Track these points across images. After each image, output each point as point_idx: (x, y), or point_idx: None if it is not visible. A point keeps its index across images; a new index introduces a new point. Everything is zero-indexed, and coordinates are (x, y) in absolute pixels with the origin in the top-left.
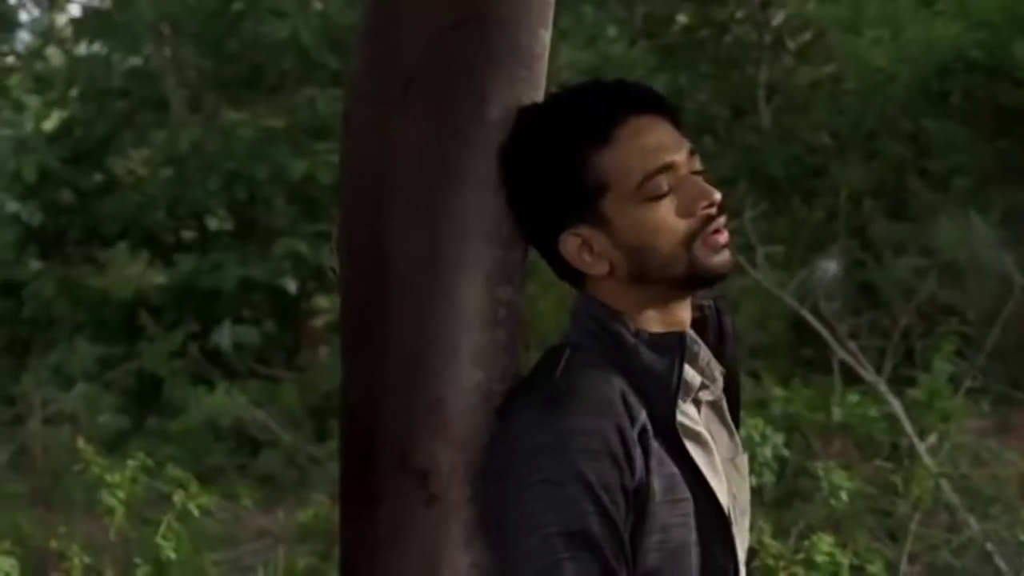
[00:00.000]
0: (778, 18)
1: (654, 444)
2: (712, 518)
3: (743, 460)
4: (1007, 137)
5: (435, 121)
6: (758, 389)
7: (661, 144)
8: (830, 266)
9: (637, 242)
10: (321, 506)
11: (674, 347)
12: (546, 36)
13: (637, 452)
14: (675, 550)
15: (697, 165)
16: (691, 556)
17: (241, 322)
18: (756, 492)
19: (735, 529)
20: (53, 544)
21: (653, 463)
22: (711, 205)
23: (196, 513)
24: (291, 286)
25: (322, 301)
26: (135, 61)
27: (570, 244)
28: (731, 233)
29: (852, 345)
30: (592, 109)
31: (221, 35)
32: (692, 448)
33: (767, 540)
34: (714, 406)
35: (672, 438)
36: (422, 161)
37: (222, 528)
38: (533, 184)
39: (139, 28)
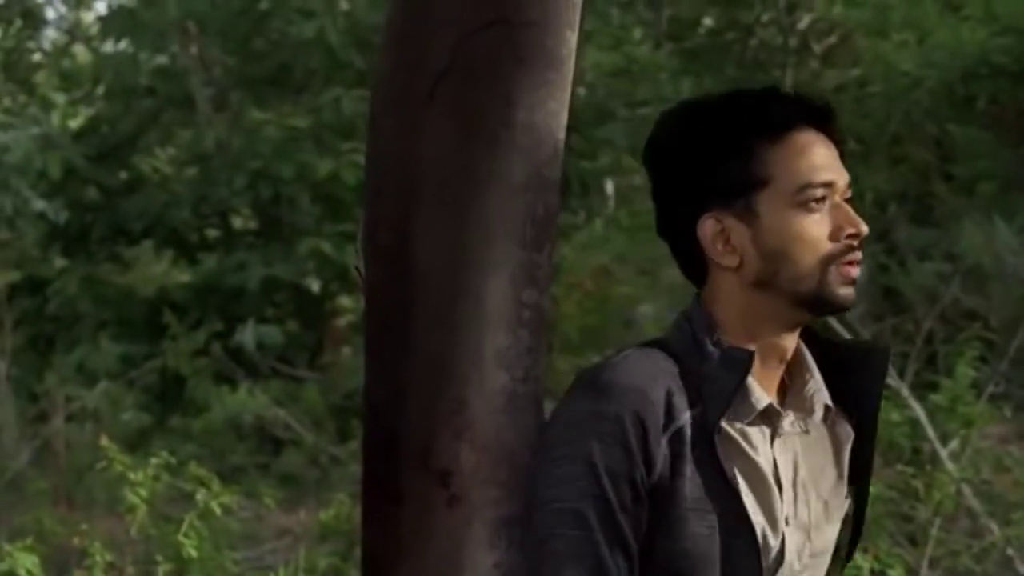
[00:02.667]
0: (804, 22)
1: (691, 450)
2: (740, 540)
3: (839, 505)
4: None
5: (461, 123)
6: None
7: (828, 162)
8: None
9: (778, 246)
10: (342, 506)
11: (739, 363)
12: (573, 38)
13: (660, 450)
14: (700, 559)
15: (848, 195)
16: (714, 570)
17: (264, 321)
18: None
19: (793, 566)
20: (75, 541)
21: (686, 468)
22: (856, 236)
23: (218, 512)
24: (315, 286)
25: (345, 301)
26: (161, 59)
27: (708, 227)
28: None
29: None
30: (773, 107)
31: (247, 34)
32: (739, 468)
33: None
34: (808, 440)
35: (711, 450)
36: (448, 163)
37: (244, 527)
38: (691, 163)
39: (165, 26)
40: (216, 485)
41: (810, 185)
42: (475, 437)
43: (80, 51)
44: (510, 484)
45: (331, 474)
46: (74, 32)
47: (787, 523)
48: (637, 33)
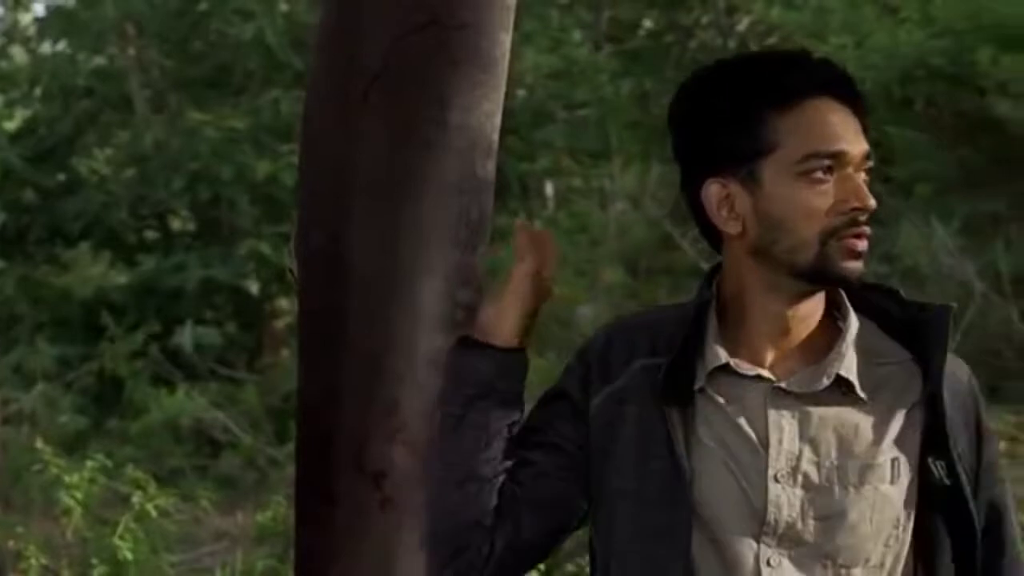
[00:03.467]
0: (743, 24)
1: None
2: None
3: (870, 469)
4: (969, 145)
5: (395, 125)
6: None
7: (840, 132)
8: None
9: (777, 215)
10: (280, 508)
11: (685, 320)
12: (506, 40)
13: (593, 417)
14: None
15: (865, 167)
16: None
17: (203, 323)
18: None
19: (794, 524)
20: (10, 544)
21: (627, 417)
22: (862, 210)
23: (154, 514)
24: (253, 287)
25: (284, 303)
26: (99, 60)
27: (712, 192)
28: (695, 238)
29: None
30: (789, 74)
31: (185, 35)
32: (711, 424)
33: None
34: (824, 405)
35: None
36: (382, 164)
37: (181, 529)
38: (702, 126)
39: (103, 27)
40: (152, 487)
41: (816, 155)
42: (409, 439)
43: (18, 52)
44: None
45: (269, 476)
46: (11, 33)
47: (777, 480)
48: (576, 35)
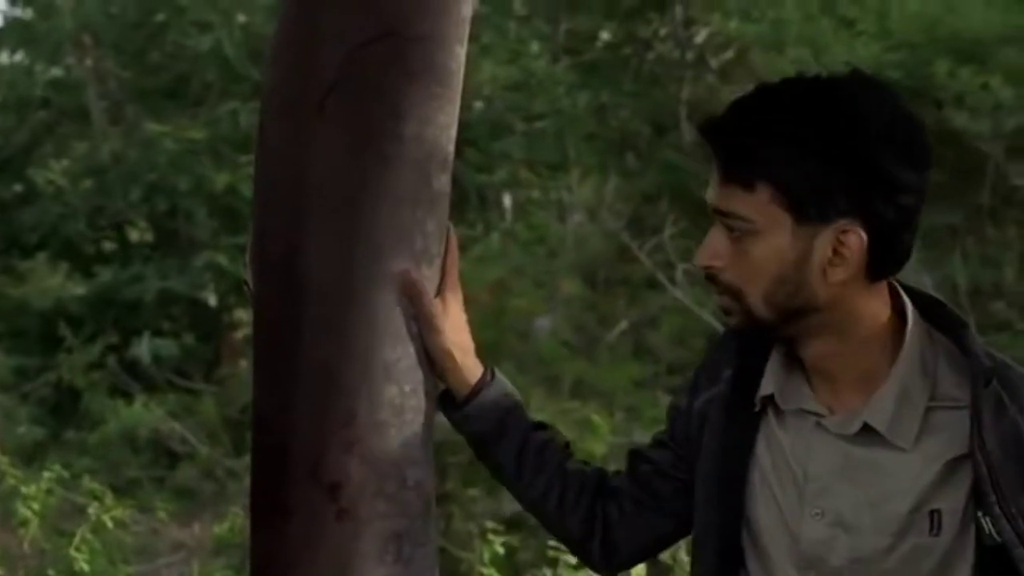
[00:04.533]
0: (701, 36)
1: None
2: (715, 531)
3: (901, 519)
4: None
5: (351, 136)
6: None
7: (712, 182)
8: None
9: None
10: (237, 519)
11: (731, 346)
12: (462, 53)
13: (680, 423)
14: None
15: (726, 205)
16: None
17: (161, 334)
18: None
19: (827, 559)
20: None
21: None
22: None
23: (110, 525)
24: (211, 299)
25: (242, 314)
26: (56, 71)
27: None
28: (652, 250)
29: None
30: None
31: (143, 46)
32: (768, 450)
33: (684, 556)
34: (863, 444)
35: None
36: (337, 176)
37: (138, 541)
38: None
39: (61, 38)
40: (109, 499)
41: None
42: (364, 450)
43: None
44: (398, 498)
45: (227, 487)
46: None
47: (812, 515)
48: (534, 47)
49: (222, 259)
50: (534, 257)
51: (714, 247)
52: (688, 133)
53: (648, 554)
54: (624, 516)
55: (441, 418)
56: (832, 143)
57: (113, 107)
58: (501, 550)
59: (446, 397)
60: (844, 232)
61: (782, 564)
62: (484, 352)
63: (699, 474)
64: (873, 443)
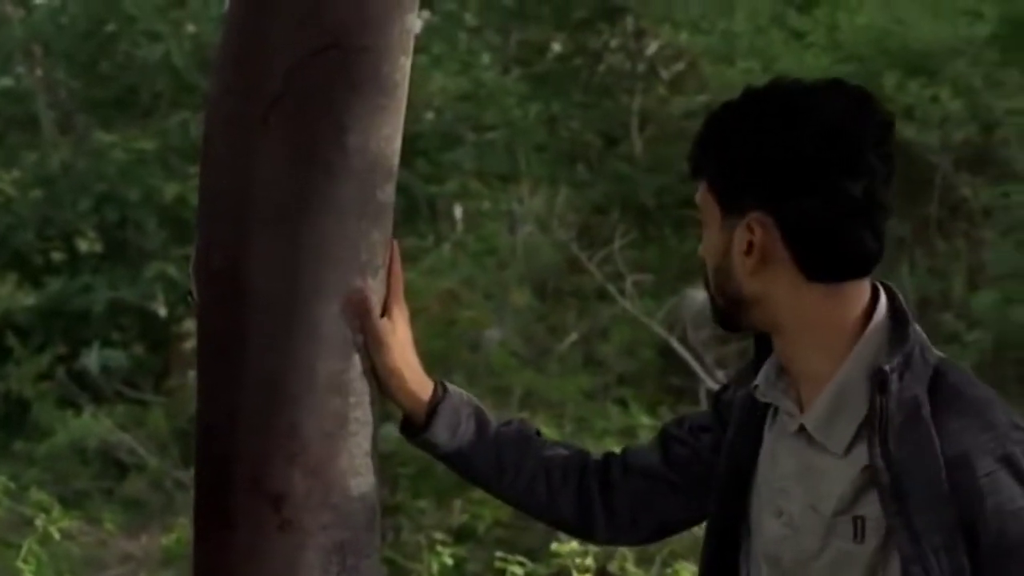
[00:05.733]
0: (652, 48)
1: (735, 419)
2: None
3: (833, 525)
4: None
5: (295, 148)
6: (626, 416)
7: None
8: (698, 295)
9: None
10: (185, 530)
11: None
12: (407, 64)
13: (723, 411)
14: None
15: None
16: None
17: (110, 345)
18: None
19: (779, 558)
20: None
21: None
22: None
23: (57, 536)
24: (161, 309)
25: (192, 325)
26: (6, 81)
27: None
28: (602, 261)
29: (720, 374)
30: None
31: (93, 56)
32: (768, 436)
33: (631, 568)
34: (814, 443)
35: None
36: (282, 187)
37: (86, 552)
38: None
39: (10, 48)
40: (56, 510)
41: None
42: (308, 461)
43: None
44: (343, 509)
45: (176, 499)
46: None
47: (774, 514)
48: (485, 58)
49: (172, 270)
50: (484, 268)
51: (703, 241)
52: (639, 144)
53: (667, 532)
54: (642, 493)
55: (387, 429)
56: (747, 143)
57: (63, 117)
58: (450, 561)
59: (406, 422)
60: (752, 224)
61: (757, 558)
62: (434, 363)
63: (718, 467)
64: (817, 446)
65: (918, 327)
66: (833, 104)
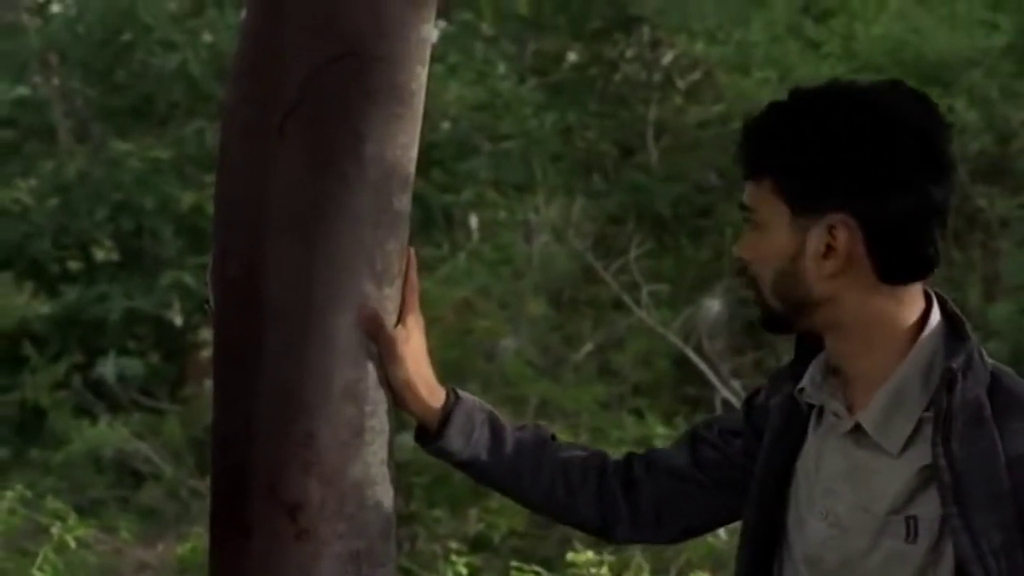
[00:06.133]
0: (667, 58)
1: (773, 423)
2: (753, 526)
3: (884, 524)
4: None
5: (311, 156)
6: (641, 426)
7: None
8: (714, 305)
9: None
10: (201, 539)
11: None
12: (423, 73)
13: (755, 416)
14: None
15: (745, 199)
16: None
17: (126, 354)
18: None
19: (822, 558)
20: None
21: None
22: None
23: (73, 545)
24: (177, 318)
25: (207, 333)
26: (22, 90)
27: None
28: (618, 271)
29: (735, 384)
30: None
31: (109, 65)
32: (811, 438)
33: None
34: (866, 443)
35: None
36: (298, 196)
37: (102, 561)
38: None
39: (26, 57)
40: (72, 518)
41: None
42: (323, 471)
43: None
44: (359, 518)
45: (191, 507)
46: None
47: (814, 512)
48: (501, 67)
49: (188, 278)
50: (500, 277)
51: (743, 240)
52: (655, 154)
53: (692, 533)
54: (668, 494)
55: (403, 438)
56: (828, 141)
57: (79, 126)
58: (464, 571)
59: (420, 431)
60: (834, 227)
61: (795, 562)
62: (449, 372)
63: (755, 472)
64: (869, 446)
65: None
66: (912, 106)
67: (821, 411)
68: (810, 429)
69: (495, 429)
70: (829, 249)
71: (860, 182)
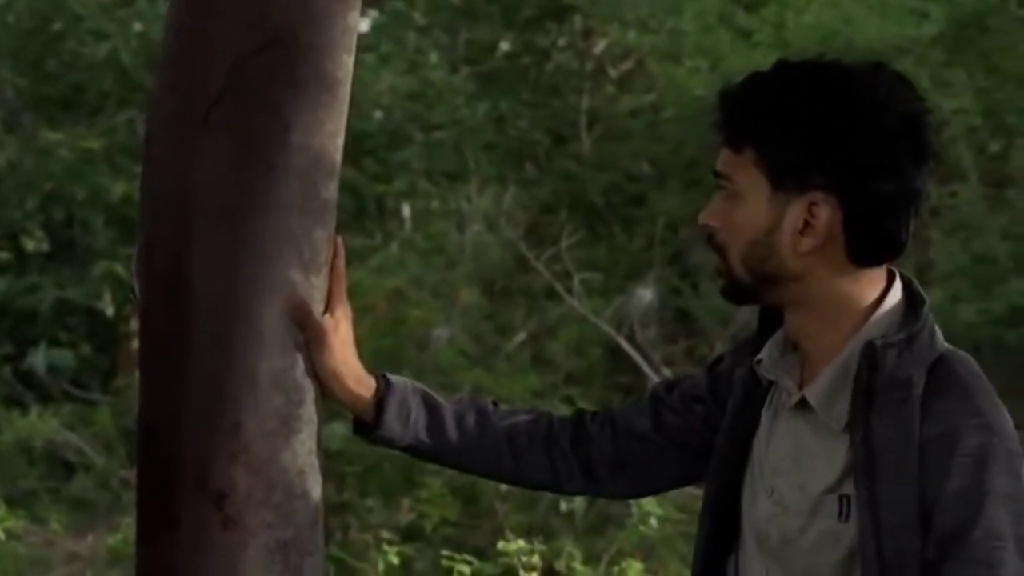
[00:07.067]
0: (600, 47)
1: (735, 395)
2: (712, 500)
3: (820, 502)
4: None
5: (237, 146)
6: None
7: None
8: (646, 294)
9: None
10: (131, 530)
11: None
12: (349, 61)
13: (718, 385)
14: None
15: (720, 167)
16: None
17: (57, 344)
18: (568, 517)
19: (768, 536)
20: None
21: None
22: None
23: (3, 537)
24: (108, 309)
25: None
26: None
27: None
28: (550, 260)
29: (667, 372)
30: None
31: (39, 54)
32: (767, 412)
33: (577, 566)
34: (807, 421)
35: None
36: (224, 185)
37: (32, 552)
38: None
39: None
40: (2, 510)
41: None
42: (250, 460)
43: None
44: (286, 507)
45: (122, 498)
46: None
47: (766, 493)
48: (433, 57)
49: (119, 269)
50: (432, 267)
51: (712, 208)
52: (587, 143)
53: (648, 492)
54: (627, 453)
55: (333, 427)
56: (817, 119)
57: (9, 115)
58: (396, 560)
59: (358, 422)
60: (815, 204)
61: (749, 539)
62: (382, 362)
63: (716, 444)
64: (815, 422)
65: (931, 315)
66: (899, 91)
67: (776, 387)
68: (765, 405)
69: (431, 408)
70: (807, 226)
71: (846, 163)
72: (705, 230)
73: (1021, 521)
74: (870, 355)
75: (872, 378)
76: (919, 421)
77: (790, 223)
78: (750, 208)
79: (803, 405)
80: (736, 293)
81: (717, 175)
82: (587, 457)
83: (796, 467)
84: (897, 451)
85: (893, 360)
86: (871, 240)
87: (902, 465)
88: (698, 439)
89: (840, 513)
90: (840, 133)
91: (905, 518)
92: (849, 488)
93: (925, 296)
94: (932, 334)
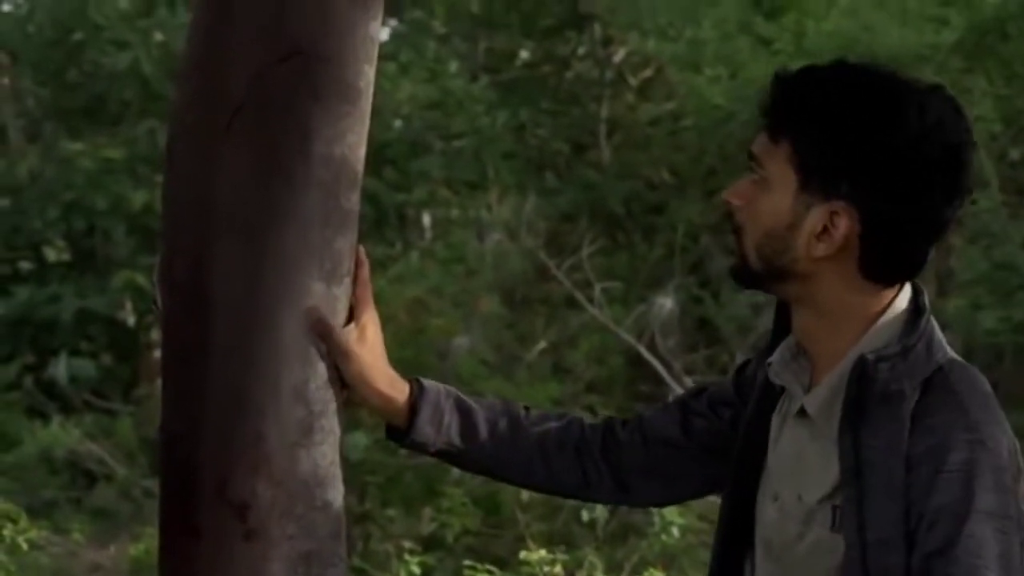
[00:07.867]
0: (619, 55)
1: (755, 399)
2: (728, 504)
3: (816, 509)
4: None
5: (258, 156)
6: None
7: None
8: (666, 302)
9: None
10: (153, 540)
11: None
12: (370, 72)
13: (744, 388)
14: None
15: (755, 150)
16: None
17: (78, 354)
18: (590, 526)
19: (771, 541)
20: None
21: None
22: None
23: (25, 547)
24: (130, 318)
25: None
26: None
27: None
28: (571, 269)
29: (688, 381)
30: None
31: (61, 65)
32: (777, 416)
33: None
34: (809, 429)
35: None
36: (245, 195)
37: (55, 562)
38: None
39: None
40: (24, 520)
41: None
42: (272, 470)
43: None
44: (308, 518)
45: (144, 508)
46: None
47: (771, 498)
48: (453, 66)
49: (140, 278)
50: (453, 276)
51: (739, 187)
52: (607, 152)
53: (679, 499)
54: (658, 460)
55: (355, 437)
56: (859, 131)
57: (30, 125)
58: (417, 570)
59: (391, 428)
60: (836, 213)
61: (759, 543)
62: (403, 371)
63: (734, 447)
64: (815, 430)
65: (935, 324)
66: (951, 119)
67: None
68: (776, 409)
69: (464, 413)
70: (825, 232)
71: (876, 182)
72: (727, 206)
73: (1004, 539)
74: (860, 368)
75: (861, 391)
76: (908, 435)
77: (809, 225)
78: (775, 200)
79: (805, 412)
80: (744, 276)
81: (752, 157)
82: (617, 464)
83: (797, 474)
84: (886, 466)
85: (886, 373)
86: (885, 260)
87: (888, 479)
88: (727, 444)
89: (833, 523)
90: (877, 151)
91: (890, 533)
92: (840, 499)
93: (927, 307)
94: (930, 346)
